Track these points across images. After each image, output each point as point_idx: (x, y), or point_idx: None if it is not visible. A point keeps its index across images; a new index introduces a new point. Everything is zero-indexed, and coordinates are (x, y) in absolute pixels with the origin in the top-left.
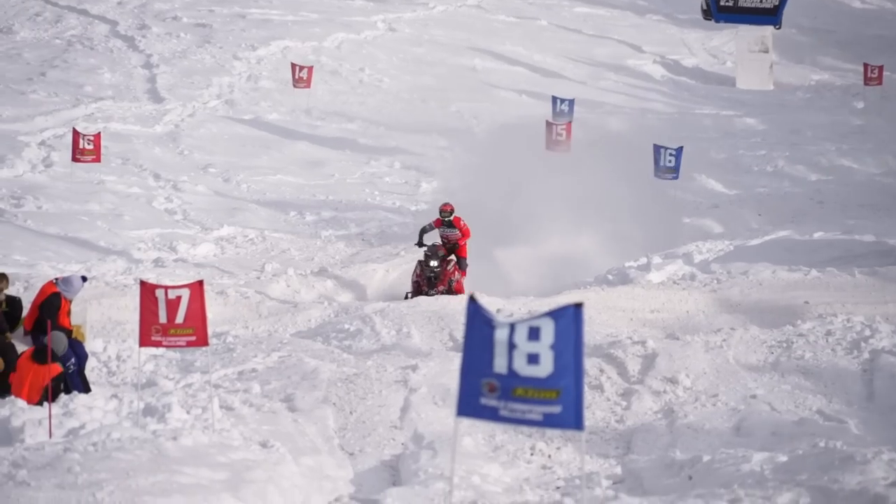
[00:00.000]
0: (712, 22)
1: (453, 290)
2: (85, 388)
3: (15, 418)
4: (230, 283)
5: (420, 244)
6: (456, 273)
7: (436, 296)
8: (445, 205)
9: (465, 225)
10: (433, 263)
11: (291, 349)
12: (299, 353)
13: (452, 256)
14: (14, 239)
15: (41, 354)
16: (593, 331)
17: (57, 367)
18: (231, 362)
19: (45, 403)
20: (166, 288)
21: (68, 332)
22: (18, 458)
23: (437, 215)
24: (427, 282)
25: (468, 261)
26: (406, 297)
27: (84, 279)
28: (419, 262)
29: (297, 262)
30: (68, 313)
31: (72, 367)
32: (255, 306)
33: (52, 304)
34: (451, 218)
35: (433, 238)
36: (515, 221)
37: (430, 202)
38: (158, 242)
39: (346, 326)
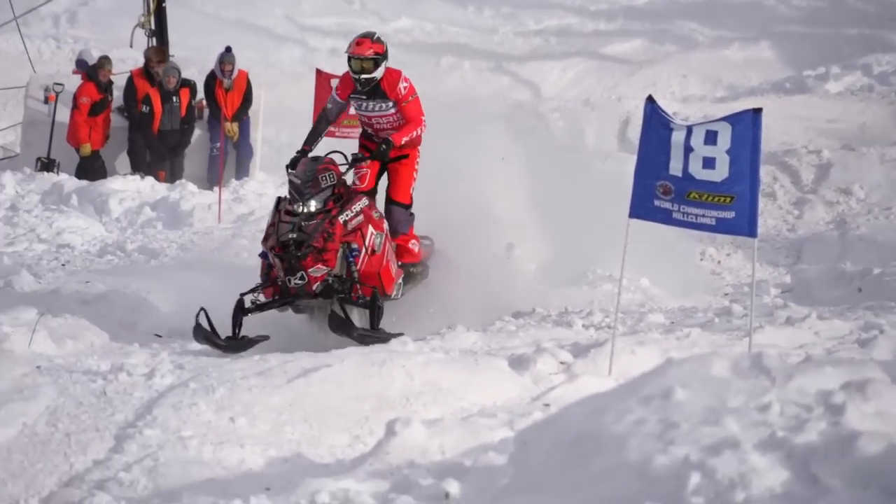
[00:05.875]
0: None
1: (358, 283)
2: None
3: (185, 202)
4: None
5: (301, 154)
6: (375, 236)
7: (306, 302)
8: (362, 38)
9: (407, 92)
10: (303, 208)
11: None
12: None
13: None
14: (189, 22)
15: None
16: (769, 138)
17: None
18: None
19: (216, 189)
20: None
21: (218, 112)
22: (187, 242)
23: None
24: (281, 258)
25: (412, 200)
26: (241, 305)
27: (228, 49)
28: (278, 199)
29: (473, 57)
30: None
31: (214, 150)
32: (428, 101)
33: (207, 85)
34: (379, 75)
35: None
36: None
37: (610, 1)
38: (335, 31)
39: (521, 122)
